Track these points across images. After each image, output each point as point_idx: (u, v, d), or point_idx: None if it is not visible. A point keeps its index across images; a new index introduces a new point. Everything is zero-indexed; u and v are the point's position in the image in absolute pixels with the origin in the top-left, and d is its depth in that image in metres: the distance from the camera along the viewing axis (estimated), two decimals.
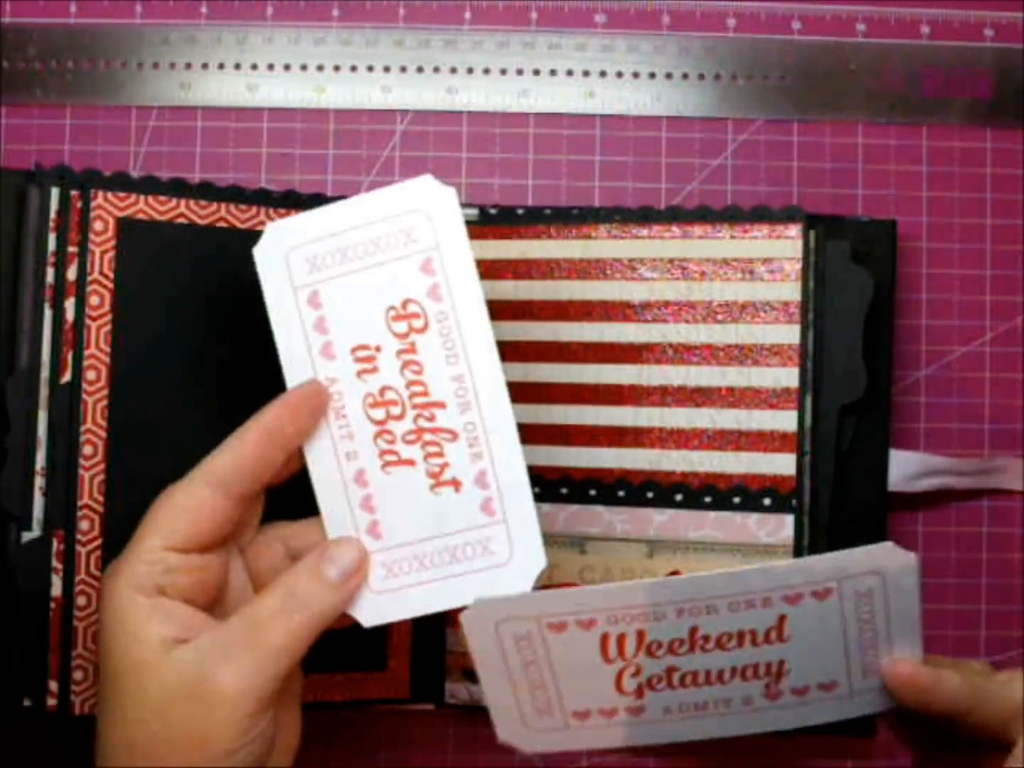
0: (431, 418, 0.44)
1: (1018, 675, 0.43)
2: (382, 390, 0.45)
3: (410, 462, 0.45)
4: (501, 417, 0.44)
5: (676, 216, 0.55)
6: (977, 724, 0.43)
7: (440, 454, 0.45)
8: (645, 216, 0.55)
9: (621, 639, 0.43)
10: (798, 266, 0.53)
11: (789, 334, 0.53)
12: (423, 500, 0.45)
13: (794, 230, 0.54)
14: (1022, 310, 0.58)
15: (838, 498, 0.54)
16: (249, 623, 0.41)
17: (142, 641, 0.41)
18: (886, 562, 0.42)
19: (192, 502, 0.43)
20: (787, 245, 0.54)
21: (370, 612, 0.44)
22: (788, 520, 0.53)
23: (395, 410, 0.45)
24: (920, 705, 0.43)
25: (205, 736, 0.40)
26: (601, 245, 0.55)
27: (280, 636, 0.41)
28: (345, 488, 0.45)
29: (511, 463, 0.44)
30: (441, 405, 0.44)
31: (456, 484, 0.44)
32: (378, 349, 0.45)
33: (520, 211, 0.57)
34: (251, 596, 0.45)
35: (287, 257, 0.45)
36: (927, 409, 0.58)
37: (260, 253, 0.45)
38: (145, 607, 0.41)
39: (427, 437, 0.45)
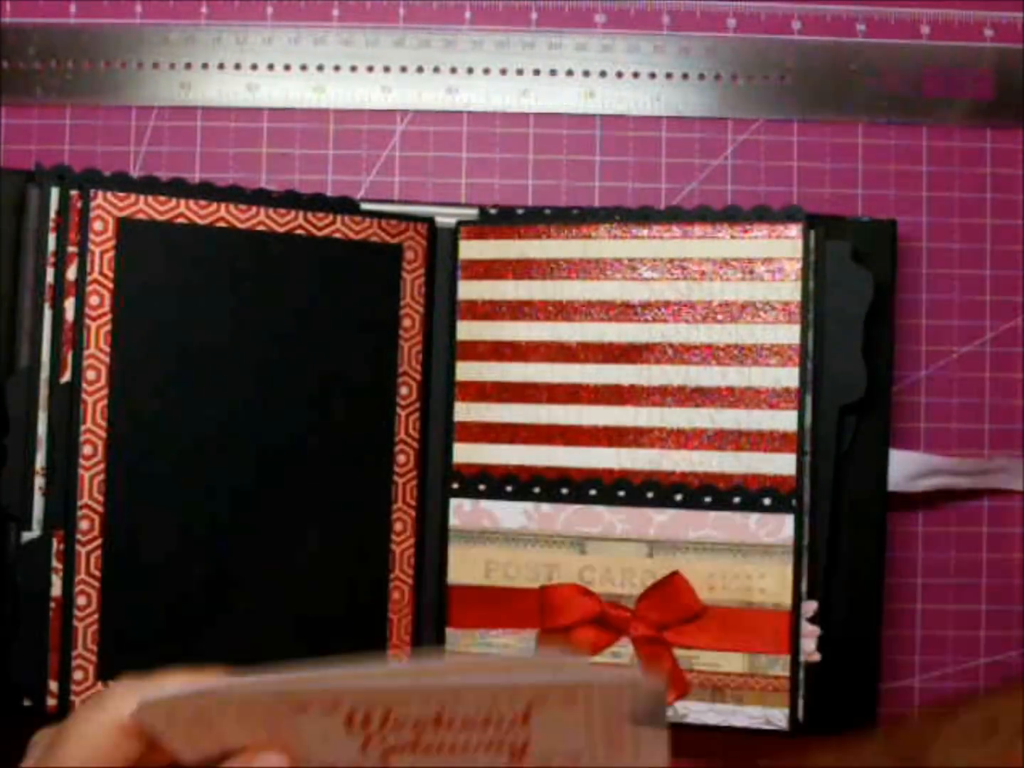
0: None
1: None
2: None
3: None
4: None
5: (676, 216, 0.55)
6: None
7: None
8: (645, 216, 0.55)
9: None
10: (798, 266, 0.53)
11: (789, 334, 0.53)
12: None
13: (794, 230, 0.54)
14: (1022, 310, 0.58)
15: (838, 498, 0.54)
16: None
17: None
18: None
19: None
20: (787, 245, 0.54)
21: None
22: (788, 520, 0.53)
23: None
24: None
25: None
26: (601, 245, 0.55)
27: None
28: None
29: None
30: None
31: None
32: None
33: (520, 211, 0.57)
34: None
35: None
36: (927, 409, 0.58)
37: None
38: None
39: None
